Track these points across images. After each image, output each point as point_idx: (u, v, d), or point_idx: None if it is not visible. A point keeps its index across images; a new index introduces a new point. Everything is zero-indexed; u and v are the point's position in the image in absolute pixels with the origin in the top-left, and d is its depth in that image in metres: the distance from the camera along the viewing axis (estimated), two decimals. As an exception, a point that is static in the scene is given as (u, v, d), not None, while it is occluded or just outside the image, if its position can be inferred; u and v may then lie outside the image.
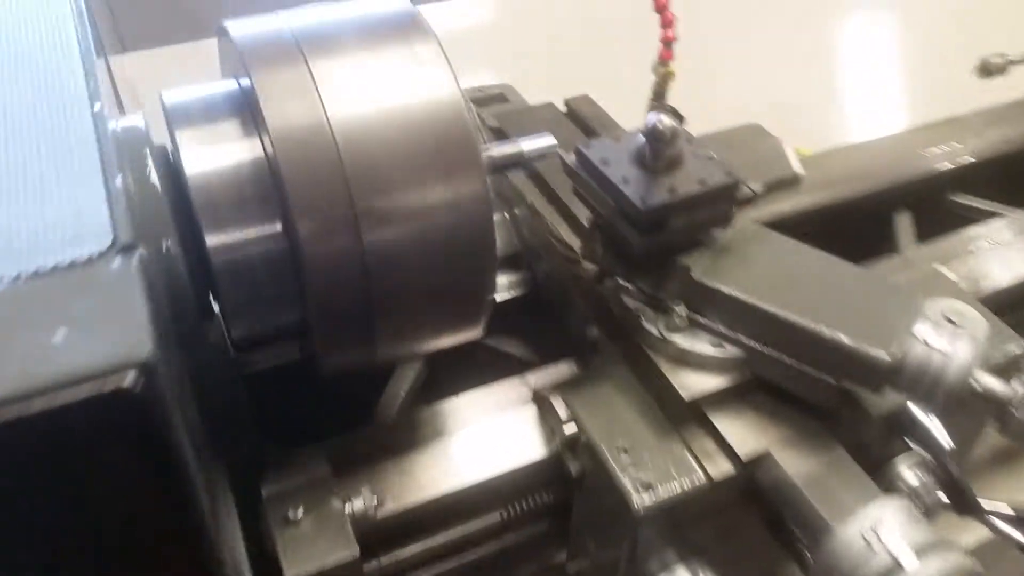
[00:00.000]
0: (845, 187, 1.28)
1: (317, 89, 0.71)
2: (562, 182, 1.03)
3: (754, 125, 1.29)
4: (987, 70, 1.49)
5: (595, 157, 0.90)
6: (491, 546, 0.97)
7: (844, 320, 0.81)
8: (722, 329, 0.89)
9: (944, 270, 1.06)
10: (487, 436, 0.93)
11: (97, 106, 0.63)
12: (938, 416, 0.83)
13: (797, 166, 1.24)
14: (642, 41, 1.32)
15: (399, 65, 0.74)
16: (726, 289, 0.87)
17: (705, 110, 1.35)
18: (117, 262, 0.52)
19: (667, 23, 1.23)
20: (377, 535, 0.86)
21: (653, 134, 0.83)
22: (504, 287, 1.15)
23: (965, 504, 0.82)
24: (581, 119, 1.25)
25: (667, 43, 1.24)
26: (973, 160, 1.35)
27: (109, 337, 0.48)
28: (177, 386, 0.54)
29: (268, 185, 0.71)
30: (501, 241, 1.17)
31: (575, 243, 1.04)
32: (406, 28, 0.77)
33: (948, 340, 0.78)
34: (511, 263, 1.17)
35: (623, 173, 0.87)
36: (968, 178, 1.35)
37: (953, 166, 1.35)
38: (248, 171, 0.72)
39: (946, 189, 1.36)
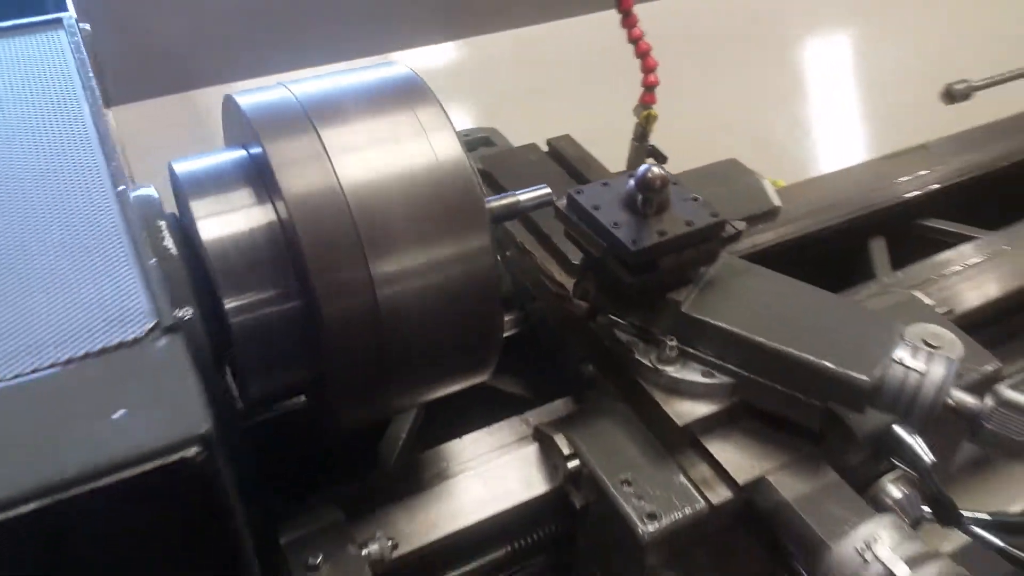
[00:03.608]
0: (821, 216, 1.34)
1: (328, 155, 0.75)
2: (551, 224, 1.08)
3: (731, 160, 1.35)
4: (951, 96, 1.56)
5: (586, 202, 0.95)
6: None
7: (827, 347, 0.86)
8: (712, 359, 0.93)
9: (920, 295, 1.11)
10: (492, 475, 0.96)
11: (121, 187, 0.67)
12: (920, 433, 0.87)
13: (775, 198, 1.30)
14: (619, 85, 1.39)
15: (404, 130, 0.78)
16: (714, 321, 0.92)
17: (684, 148, 1.42)
18: (163, 342, 0.56)
19: (649, 68, 1.29)
20: (393, 576, 0.89)
21: (644, 183, 0.88)
22: (499, 328, 1.19)
23: (948, 516, 0.86)
24: (564, 159, 1.30)
25: (649, 87, 1.30)
26: (941, 186, 1.42)
27: (167, 414, 0.52)
28: (225, 450, 0.57)
29: (282, 249, 0.74)
30: (495, 284, 1.21)
31: (566, 282, 1.09)
32: (409, 94, 0.82)
33: (924, 361, 0.83)
34: (504, 304, 1.21)
35: (614, 218, 0.92)
36: (937, 203, 1.42)
37: (922, 192, 1.41)
38: (262, 236, 0.75)
39: (917, 215, 1.42)
